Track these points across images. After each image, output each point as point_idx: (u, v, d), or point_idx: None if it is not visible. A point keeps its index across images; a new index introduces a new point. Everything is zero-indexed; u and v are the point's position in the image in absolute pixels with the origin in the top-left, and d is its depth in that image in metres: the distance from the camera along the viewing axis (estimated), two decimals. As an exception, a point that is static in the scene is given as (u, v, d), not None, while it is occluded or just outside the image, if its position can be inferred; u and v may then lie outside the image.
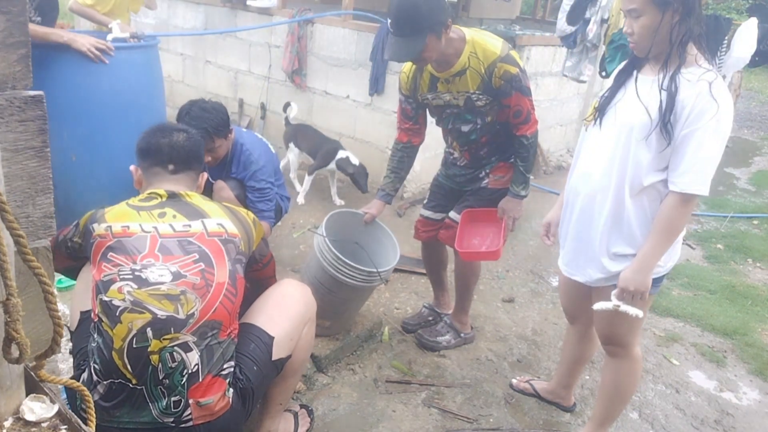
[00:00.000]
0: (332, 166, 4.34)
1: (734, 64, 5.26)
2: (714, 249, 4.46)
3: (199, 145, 1.93)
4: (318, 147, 4.43)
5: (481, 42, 2.30)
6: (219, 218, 1.74)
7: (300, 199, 4.40)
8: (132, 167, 1.90)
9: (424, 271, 3.56)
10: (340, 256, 2.44)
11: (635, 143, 1.76)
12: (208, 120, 2.65)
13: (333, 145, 4.37)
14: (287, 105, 4.59)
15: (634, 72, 1.84)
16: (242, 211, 1.88)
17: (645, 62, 1.82)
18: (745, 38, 5.09)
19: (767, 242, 4.69)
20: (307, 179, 4.45)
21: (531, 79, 2.98)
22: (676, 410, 2.62)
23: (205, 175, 1.99)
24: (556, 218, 2.19)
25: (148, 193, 1.78)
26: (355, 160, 4.29)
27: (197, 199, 1.79)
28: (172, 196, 1.76)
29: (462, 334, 2.90)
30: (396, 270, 3.55)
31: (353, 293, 2.58)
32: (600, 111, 1.90)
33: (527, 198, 2.69)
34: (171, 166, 1.83)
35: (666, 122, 1.69)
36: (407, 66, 2.49)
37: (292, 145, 4.56)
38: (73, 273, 1.91)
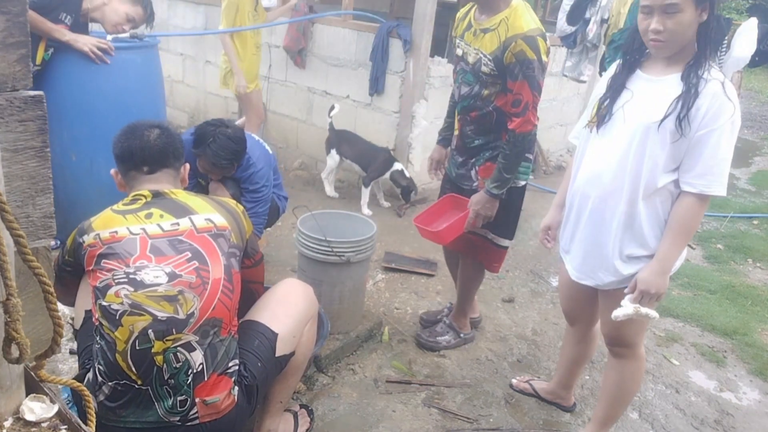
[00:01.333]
0: (386, 176, 4.35)
1: (734, 64, 5.25)
2: (714, 249, 4.46)
3: (174, 140, 1.84)
4: (367, 155, 4.41)
5: (519, 14, 2.27)
6: (206, 213, 1.73)
7: (366, 211, 4.32)
8: (112, 171, 1.86)
9: (424, 271, 3.58)
10: (300, 228, 2.63)
11: (651, 144, 1.74)
12: (235, 153, 2.71)
13: (386, 155, 4.37)
14: (332, 108, 4.52)
15: (637, 71, 1.83)
16: (231, 202, 1.86)
17: (648, 62, 1.81)
18: (745, 38, 5.08)
19: (767, 242, 4.69)
20: (365, 191, 4.40)
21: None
22: (676, 410, 2.62)
23: (188, 166, 1.94)
24: (556, 221, 2.18)
25: (133, 196, 1.75)
26: (408, 174, 4.36)
27: (183, 196, 1.77)
28: (157, 195, 1.74)
29: (462, 334, 2.89)
30: (396, 270, 3.56)
31: (322, 273, 2.63)
32: (606, 114, 1.87)
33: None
34: (145, 168, 1.78)
35: (683, 117, 1.68)
36: (463, 9, 2.51)
37: (333, 151, 4.49)
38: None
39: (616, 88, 1.87)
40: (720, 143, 1.67)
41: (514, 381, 2.65)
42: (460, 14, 2.54)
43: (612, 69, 1.94)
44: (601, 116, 1.88)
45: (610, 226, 1.87)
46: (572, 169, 2.05)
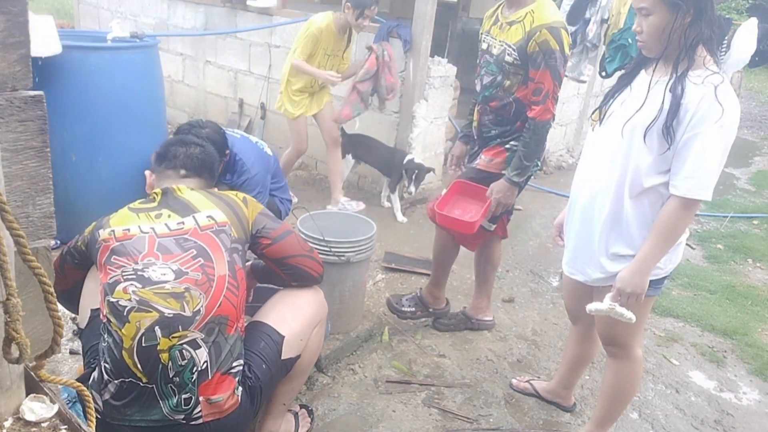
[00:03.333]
0: (402, 172, 4.33)
1: (734, 64, 5.25)
2: (714, 249, 4.46)
3: (212, 159, 2.02)
4: (384, 158, 4.37)
5: (544, 7, 2.35)
6: (207, 210, 1.77)
7: (400, 218, 4.32)
8: (147, 172, 2.00)
9: (424, 271, 3.58)
10: (300, 228, 2.60)
11: (637, 144, 1.75)
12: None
13: (400, 155, 4.33)
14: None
15: (641, 71, 1.84)
16: (230, 194, 1.88)
17: (652, 62, 1.81)
18: (745, 38, 5.08)
19: (767, 242, 4.69)
20: (394, 197, 4.36)
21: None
22: (676, 410, 2.62)
23: (216, 190, 2.04)
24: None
25: (150, 195, 1.83)
26: (418, 160, 4.32)
27: (187, 193, 1.82)
28: (165, 193, 1.81)
29: (431, 309, 2.93)
30: (396, 270, 3.56)
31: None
32: (604, 110, 1.89)
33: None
34: (182, 171, 1.92)
35: (669, 125, 1.67)
36: (491, 9, 2.59)
37: (349, 156, 4.44)
38: (70, 302, 1.96)
39: (620, 87, 1.88)
40: (705, 147, 1.65)
41: (514, 381, 2.65)
42: (488, 13, 2.62)
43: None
44: (600, 114, 1.90)
45: (597, 223, 1.89)
46: None
